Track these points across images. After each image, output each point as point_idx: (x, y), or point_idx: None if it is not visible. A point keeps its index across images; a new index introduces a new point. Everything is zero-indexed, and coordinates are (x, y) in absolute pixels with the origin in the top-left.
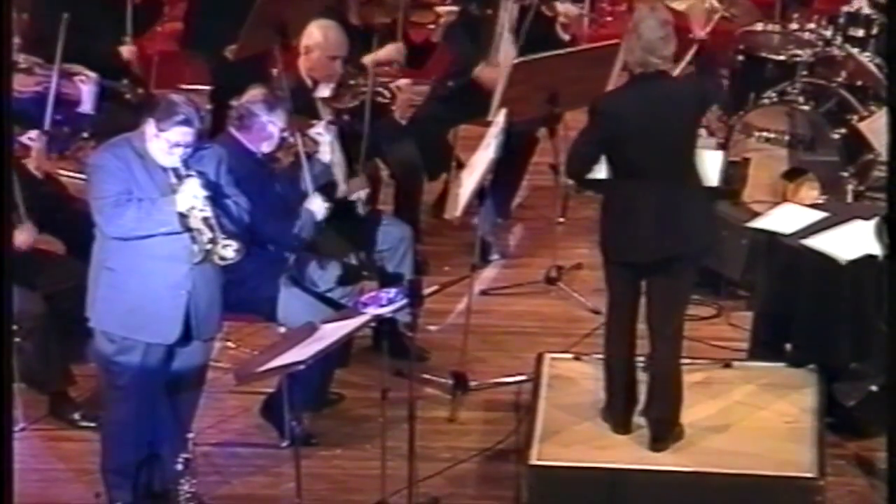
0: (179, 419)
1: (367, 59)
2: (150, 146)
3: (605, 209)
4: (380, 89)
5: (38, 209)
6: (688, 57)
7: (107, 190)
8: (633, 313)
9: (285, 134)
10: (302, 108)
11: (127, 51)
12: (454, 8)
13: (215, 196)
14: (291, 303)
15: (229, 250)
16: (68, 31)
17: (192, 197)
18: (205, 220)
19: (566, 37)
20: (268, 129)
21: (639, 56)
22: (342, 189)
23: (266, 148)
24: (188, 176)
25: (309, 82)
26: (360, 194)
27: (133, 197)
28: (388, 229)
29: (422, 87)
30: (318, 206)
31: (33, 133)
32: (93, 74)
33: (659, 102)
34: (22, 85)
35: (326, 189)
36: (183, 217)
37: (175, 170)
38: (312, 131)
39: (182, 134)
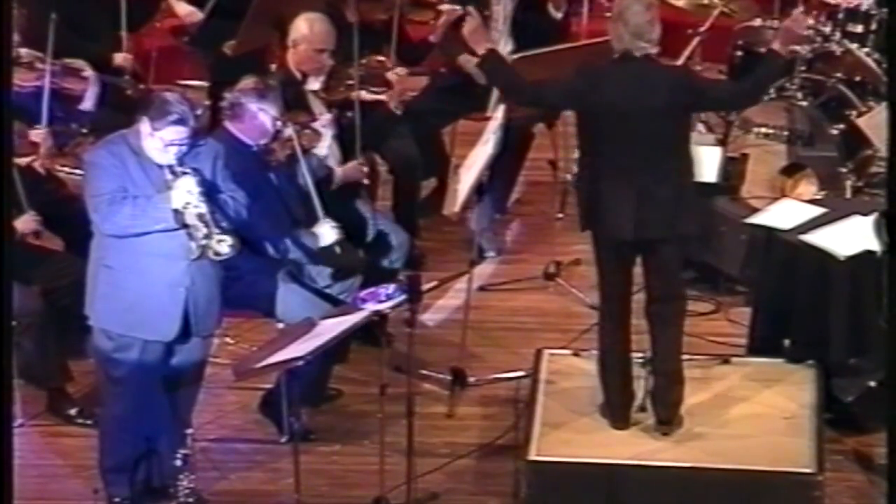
0: (177, 415)
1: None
2: (145, 144)
3: (582, 180)
4: (370, 75)
5: (38, 205)
6: (687, 52)
7: (102, 187)
8: (626, 305)
9: (279, 124)
10: (293, 102)
11: (121, 57)
12: (456, 7)
13: (211, 192)
14: (290, 298)
15: (224, 245)
16: (65, 28)
17: (186, 193)
18: (199, 216)
19: (558, 14)
20: (259, 118)
21: (627, 41)
22: (338, 178)
23: (261, 139)
24: (183, 173)
25: (299, 76)
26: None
27: (129, 194)
28: (386, 234)
29: (417, 78)
30: (326, 231)
31: (42, 130)
32: (92, 73)
33: (641, 84)
34: (23, 80)
35: (322, 182)
36: (178, 214)
37: (170, 167)
38: (318, 123)
39: (176, 133)
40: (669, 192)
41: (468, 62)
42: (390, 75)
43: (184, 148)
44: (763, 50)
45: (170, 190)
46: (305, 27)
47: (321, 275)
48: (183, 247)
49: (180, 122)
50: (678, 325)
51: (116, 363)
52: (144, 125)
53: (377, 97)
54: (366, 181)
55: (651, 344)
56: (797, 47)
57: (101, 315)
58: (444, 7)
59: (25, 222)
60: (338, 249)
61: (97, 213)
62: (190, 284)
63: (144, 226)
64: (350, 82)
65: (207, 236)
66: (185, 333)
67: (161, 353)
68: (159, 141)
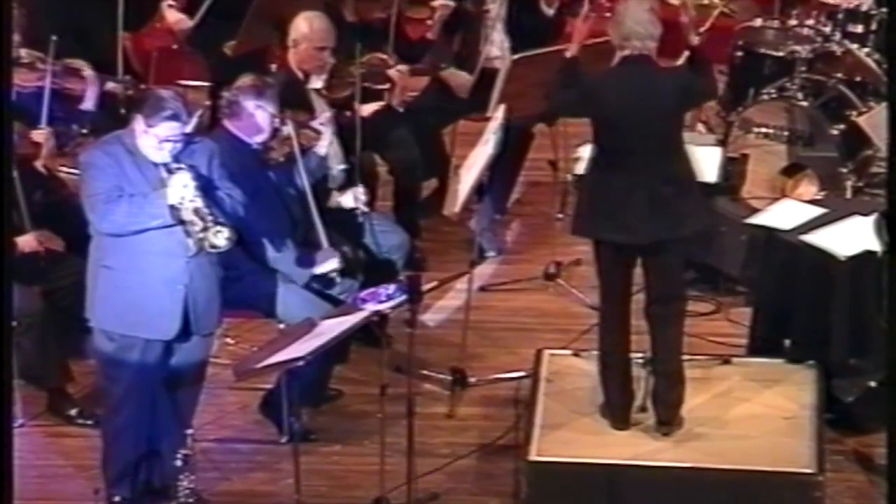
0: (179, 416)
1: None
2: (140, 142)
3: (585, 189)
4: (372, 73)
5: (38, 205)
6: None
7: (98, 187)
8: (626, 305)
9: (276, 121)
10: (295, 102)
11: (113, 86)
12: (450, 2)
13: (207, 189)
14: (290, 298)
15: (220, 238)
16: (64, 28)
17: (182, 188)
18: (196, 210)
19: (550, 11)
20: (257, 115)
21: (625, 34)
22: (333, 202)
23: (259, 137)
24: (178, 169)
25: (301, 75)
26: (360, 202)
27: (125, 193)
28: (386, 235)
29: (418, 78)
30: (331, 266)
31: (43, 130)
32: (93, 73)
33: (642, 87)
34: (23, 80)
35: (321, 189)
36: (174, 210)
37: (166, 165)
38: (316, 122)
39: (170, 129)
40: (674, 194)
41: (453, 76)
42: (392, 73)
43: (178, 145)
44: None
45: (165, 187)
46: (305, 26)
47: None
48: (181, 244)
49: (174, 118)
50: (678, 325)
51: (118, 365)
52: (139, 123)
53: (379, 103)
54: (365, 209)
55: (651, 344)
56: (797, 47)
57: (102, 316)
58: (438, 3)
59: (27, 241)
60: (337, 278)
61: (94, 213)
62: (189, 282)
63: (142, 223)
64: (352, 80)
65: (204, 230)
66: (186, 332)
67: (162, 353)
68: (154, 138)
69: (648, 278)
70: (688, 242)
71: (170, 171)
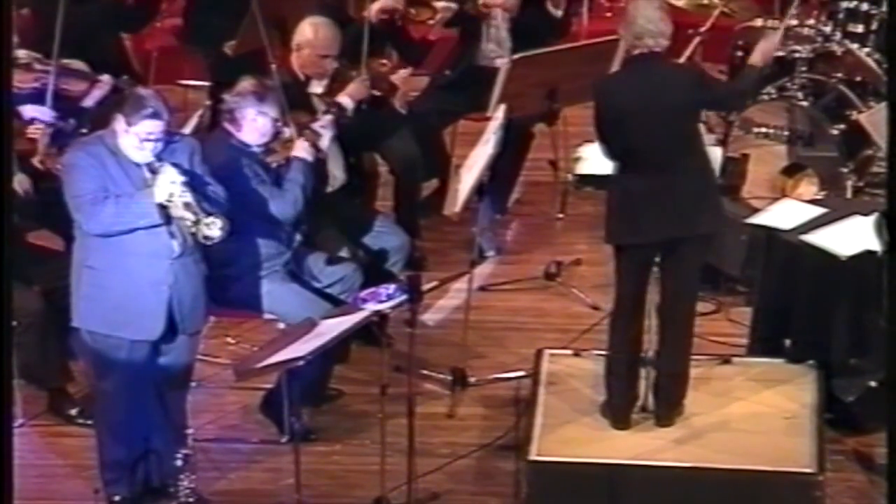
0: (170, 415)
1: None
2: (122, 142)
3: (608, 193)
4: (373, 78)
5: (37, 204)
6: (687, 52)
7: (83, 188)
8: (641, 306)
9: (279, 125)
10: (296, 104)
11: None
12: (451, 4)
13: (191, 186)
14: (290, 298)
15: (214, 228)
16: (66, 28)
17: (169, 183)
18: (186, 205)
19: (558, 13)
20: (259, 121)
21: (638, 33)
22: (346, 104)
23: (260, 139)
24: (162, 167)
25: (302, 78)
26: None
27: (110, 193)
28: (386, 236)
29: (420, 79)
30: (302, 148)
31: (39, 127)
32: (106, 77)
33: (655, 85)
34: (21, 81)
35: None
36: (163, 208)
37: (149, 164)
38: (317, 124)
39: (152, 126)
40: (693, 191)
41: None
42: (394, 78)
43: (160, 144)
44: None
45: (150, 187)
46: (310, 32)
47: (322, 273)
48: (166, 245)
49: (155, 115)
50: (690, 325)
51: (105, 365)
52: (119, 123)
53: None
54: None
55: (659, 343)
56: (797, 47)
57: (86, 317)
58: (440, 4)
59: (20, 182)
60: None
61: (80, 214)
62: (173, 282)
63: (129, 223)
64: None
65: (196, 222)
66: (172, 331)
67: (148, 354)
68: (135, 137)
69: (665, 277)
70: (706, 241)
71: (153, 172)
